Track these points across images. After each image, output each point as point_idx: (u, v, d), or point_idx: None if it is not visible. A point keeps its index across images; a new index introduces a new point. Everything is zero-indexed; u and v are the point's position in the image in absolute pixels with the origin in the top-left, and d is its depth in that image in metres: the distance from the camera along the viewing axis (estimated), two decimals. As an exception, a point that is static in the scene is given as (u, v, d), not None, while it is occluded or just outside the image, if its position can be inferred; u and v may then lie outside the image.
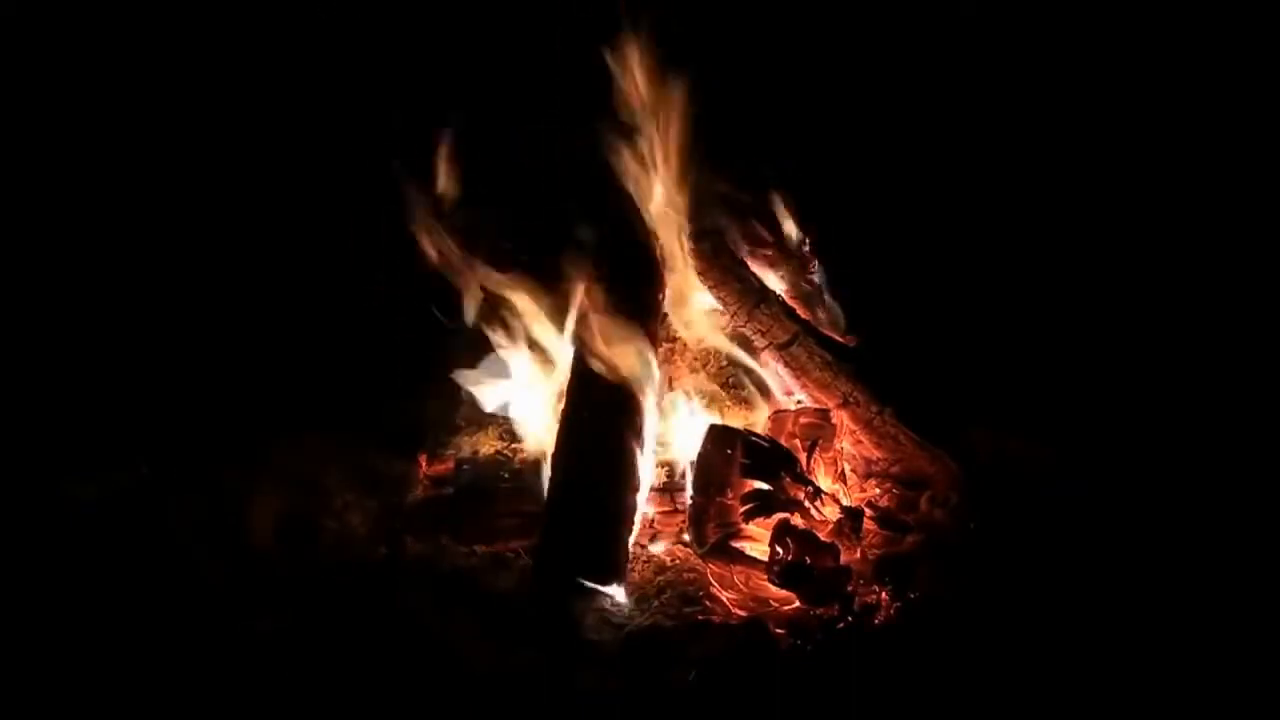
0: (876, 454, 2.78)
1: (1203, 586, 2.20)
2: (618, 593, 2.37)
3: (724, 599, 2.36)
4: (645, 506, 2.62)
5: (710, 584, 2.40)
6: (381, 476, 2.84)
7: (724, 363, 2.98)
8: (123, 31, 3.80)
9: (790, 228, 3.09)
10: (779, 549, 2.32)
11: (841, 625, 2.21)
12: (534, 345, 2.93)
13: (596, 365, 2.63)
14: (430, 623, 2.26)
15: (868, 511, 2.58)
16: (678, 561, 2.53)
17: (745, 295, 2.84)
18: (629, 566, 2.44)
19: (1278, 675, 1.98)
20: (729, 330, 2.93)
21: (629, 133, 2.87)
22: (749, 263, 2.99)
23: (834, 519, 2.47)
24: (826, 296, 3.08)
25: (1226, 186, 3.58)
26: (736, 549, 2.43)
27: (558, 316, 2.88)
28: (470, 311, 2.93)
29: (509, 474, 2.84)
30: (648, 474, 2.64)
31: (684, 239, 2.94)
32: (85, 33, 3.82)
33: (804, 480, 2.51)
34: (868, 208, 3.56)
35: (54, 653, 2.17)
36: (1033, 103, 3.82)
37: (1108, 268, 3.44)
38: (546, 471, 2.65)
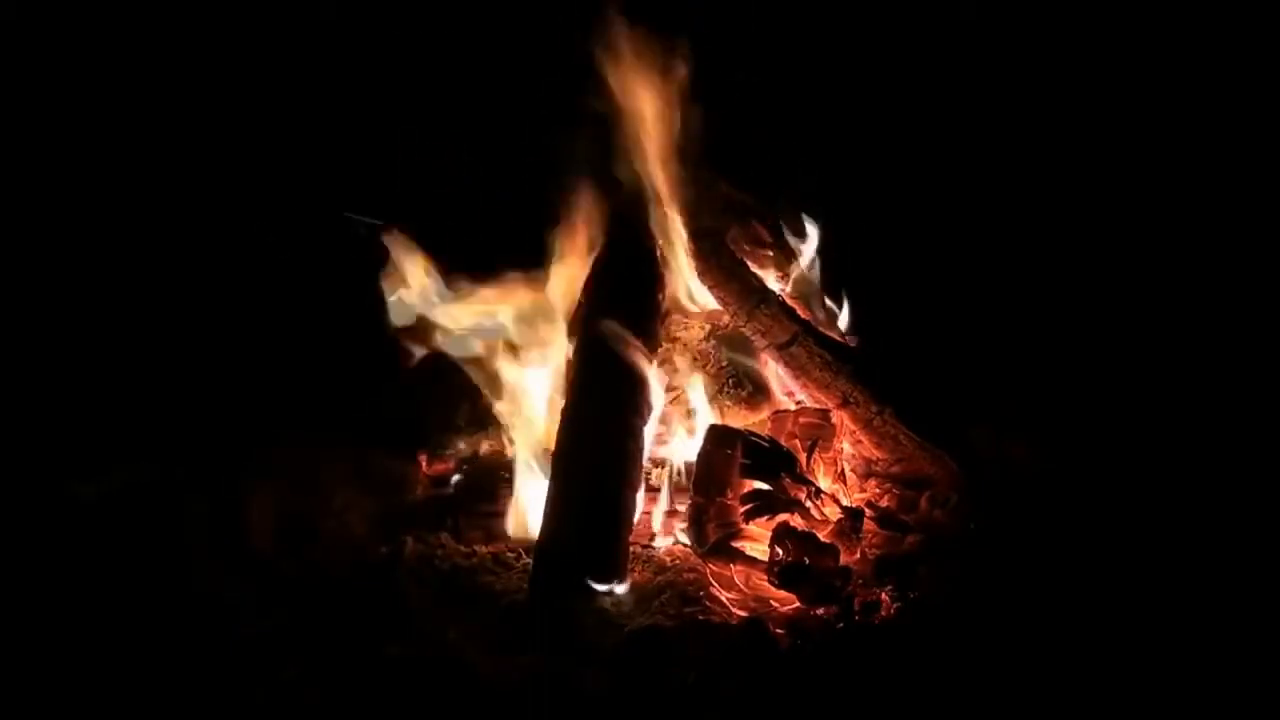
0: (876, 454, 2.78)
1: (1201, 586, 2.20)
2: (618, 592, 2.37)
3: (724, 599, 2.36)
4: (645, 506, 2.62)
5: (710, 584, 2.40)
6: (381, 476, 2.84)
7: (724, 362, 2.97)
8: (122, 32, 3.81)
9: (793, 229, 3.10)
10: (779, 550, 2.32)
11: (841, 625, 2.21)
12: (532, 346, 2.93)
13: (596, 364, 2.63)
14: (430, 623, 2.26)
15: (868, 511, 2.58)
16: (678, 561, 2.52)
17: (745, 295, 2.84)
18: (629, 566, 2.44)
19: (1277, 676, 1.98)
20: (729, 330, 2.93)
21: (629, 132, 2.87)
22: (749, 263, 2.99)
23: (834, 519, 2.47)
24: (826, 297, 3.08)
25: (1225, 188, 3.59)
26: (736, 549, 2.43)
27: (557, 317, 2.88)
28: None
29: (509, 474, 2.85)
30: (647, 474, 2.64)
31: (684, 239, 2.94)
32: (85, 33, 3.82)
33: (804, 480, 2.51)
34: (869, 208, 3.57)
35: (55, 652, 2.17)
36: (1032, 105, 3.82)
37: (1107, 269, 3.44)
38: (546, 471, 2.65)
